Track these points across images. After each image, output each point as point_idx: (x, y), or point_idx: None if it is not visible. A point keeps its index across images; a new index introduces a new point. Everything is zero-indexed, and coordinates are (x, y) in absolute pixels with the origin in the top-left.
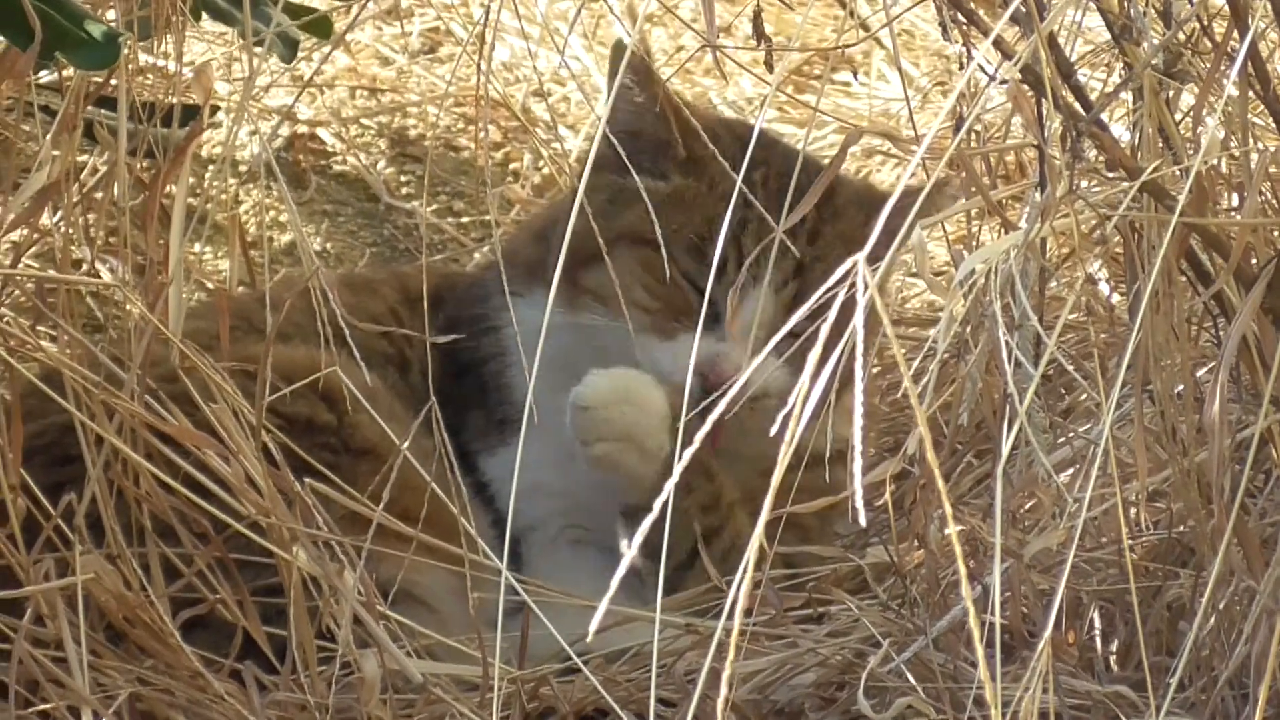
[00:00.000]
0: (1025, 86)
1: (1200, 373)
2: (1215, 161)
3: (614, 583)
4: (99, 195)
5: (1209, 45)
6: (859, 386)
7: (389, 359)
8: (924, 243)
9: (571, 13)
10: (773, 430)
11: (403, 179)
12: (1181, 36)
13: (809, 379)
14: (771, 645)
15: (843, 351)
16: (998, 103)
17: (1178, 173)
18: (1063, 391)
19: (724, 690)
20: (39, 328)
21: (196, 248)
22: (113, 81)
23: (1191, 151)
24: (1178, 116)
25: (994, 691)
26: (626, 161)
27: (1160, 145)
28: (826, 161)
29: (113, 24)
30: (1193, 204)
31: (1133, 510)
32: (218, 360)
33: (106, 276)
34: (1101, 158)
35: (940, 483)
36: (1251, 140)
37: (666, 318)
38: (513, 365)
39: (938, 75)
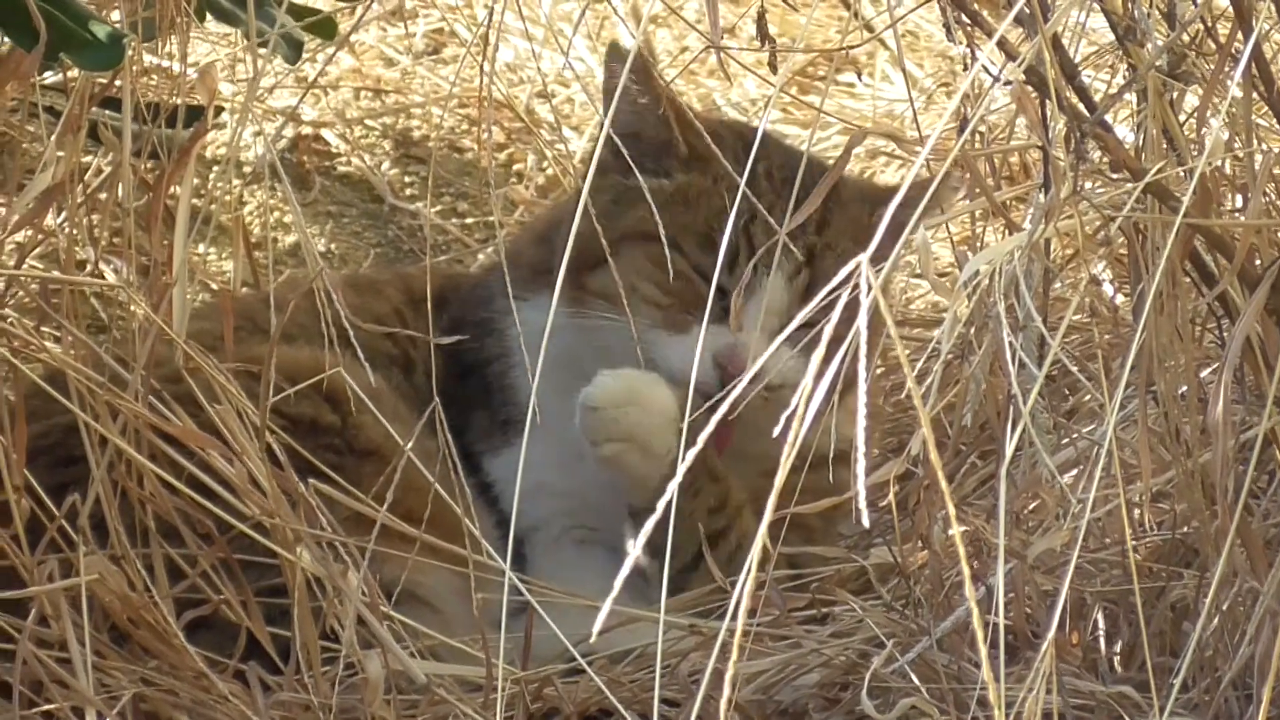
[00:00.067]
0: (1029, 88)
1: (1204, 374)
2: (1219, 163)
3: (618, 583)
4: (103, 196)
5: (1213, 46)
6: (862, 387)
7: (393, 360)
8: (928, 243)
9: (576, 14)
10: (776, 431)
11: (407, 180)
12: (1185, 38)
13: (813, 379)
14: (775, 646)
15: (846, 352)
16: (1002, 104)
17: (1182, 174)
18: (1066, 392)
19: (728, 691)
20: (43, 328)
21: (200, 249)
22: (117, 82)
23: (1195, 153)
24: (1182, 118)
25: (998, 692)
26: (630, 162)
27: (1164, 146)
28: (826, 160)
29: (117, 25)
30: (1197, 205)
31: (1136, 511)
32: (222, 361)
33: (111, 277)
34: (1105, 159)
35: (944, 483)
36: (1255, 141)
37: (678, 312)
38: (516, 367)
39: (942, 76)
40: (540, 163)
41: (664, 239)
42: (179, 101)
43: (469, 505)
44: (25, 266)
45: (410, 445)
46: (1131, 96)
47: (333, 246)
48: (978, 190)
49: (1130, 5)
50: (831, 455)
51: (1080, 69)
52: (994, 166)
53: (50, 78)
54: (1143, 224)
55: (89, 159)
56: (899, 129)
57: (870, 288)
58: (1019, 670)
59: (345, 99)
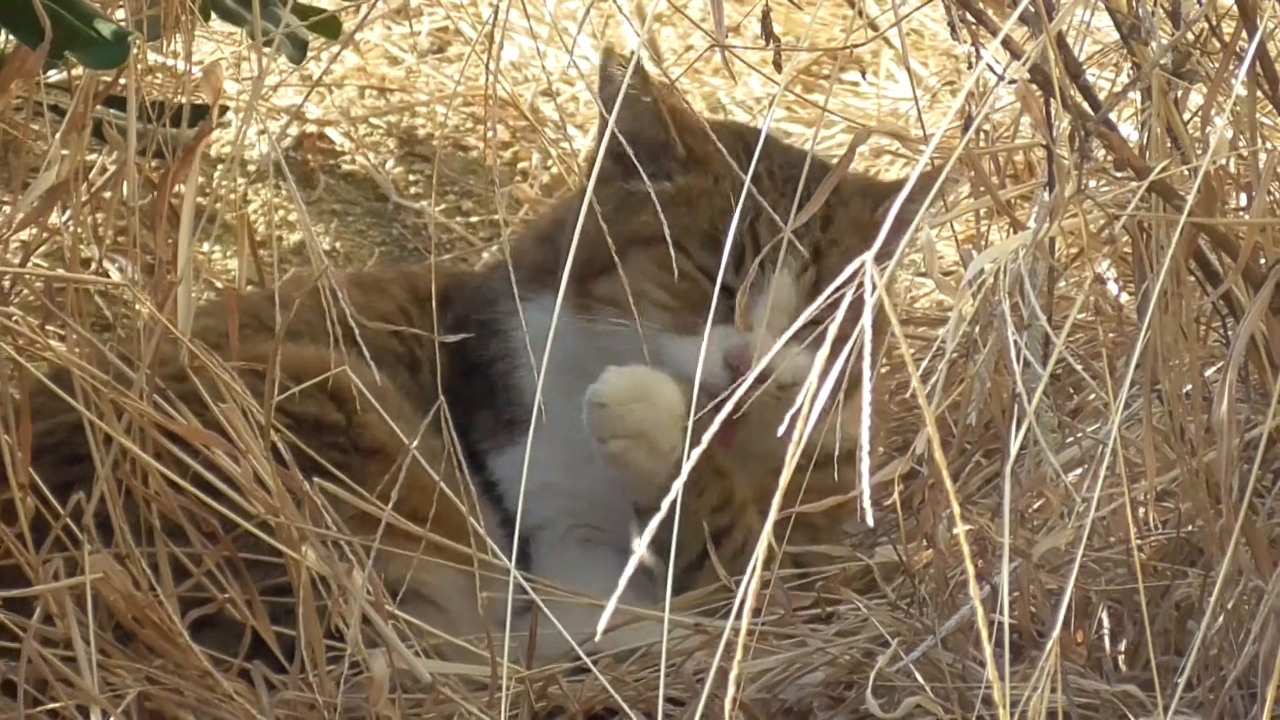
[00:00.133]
0: (1034, 86)
1: (1209, 372)
2: (1224, 161)
3: (622, 582)
4: (108, 194)
5: (1217, 45)
6: (867, 386)
7: (399, 358)
8: (933, 242)
9: (580, 12)
10: (781, 430)
11: (411, 178)
12: (1190, 36)
13: (817, 378)
14: (780, 645)
15: (851, 351)
16: (1006, 102)
17: (1186, 172)
18: (1071, 391)
19: (732, 689)
20: (48, 327)
21: (205, 247)
22: (122, 81)
23: (1200, 151)
24: (1186, 116)
25: (1002, 691)
26: (637, 163)
27: (1169, 145)
28: (829, 159)
29: (122, 23)
30: (1201, 204)
31: (1141, 510)
32: (227, 359)
33: (115, 276)
34: (1110, 157)
35: (949, 482)
36: (1260, 140)
37: (686, 314)
38: (521, 367)
39: (946, 75)
40: (545, 161)
41: (669, 241)
42: (184, 100)
43: (474, 504)
44: (30, 265)
45: (415, 444)
46: (1136, 95)
47: (337, 245)
48: (982, 189)
49: (1135, 4)
50: (837, 454)
51: (1085, 67)
52: (998, 165)
53: (55, 76)
54: (1147, 223)
55: (94, 157)
56: (903, 128)
57: (874, 286)
58: (1024, 669)
59: (350, 97)
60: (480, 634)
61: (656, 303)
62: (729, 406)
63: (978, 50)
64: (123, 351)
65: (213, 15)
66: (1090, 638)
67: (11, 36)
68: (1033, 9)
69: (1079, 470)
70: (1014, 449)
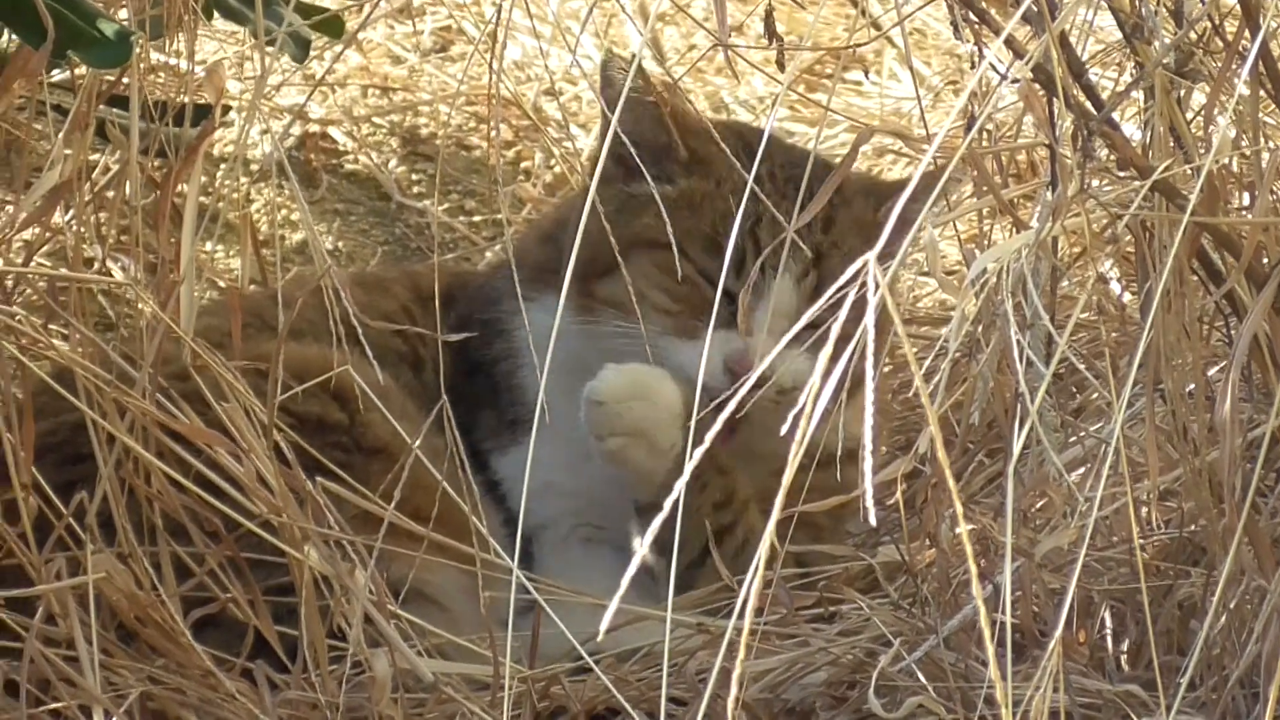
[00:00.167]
0: (1037, 85)
1: (1211, 372)
2: (1226, 160)
3: (625, 581)
4: (111, 194)
5: (1220, 44)
6: (870, 385)
7: (402, 357)
8: (936, 241)
9: (583, 11)
10: (784, 429)
11: (414, 178)
12: (1193, 35)
13: (820, 378)
14: (783, 644)
15: (854, 350)
16: (1009, 101)
17: (1189, 172)
18: (1074, 390)
19: (735, 689)
20: (51, 326)
21: (208, 246)
22: (125, 80)
23: (1203, 150)
24: (1189, 115)
25: (1005, 690)
26: (635, 169)
27: (1171, 144)
28: (831, 158)
29: (125, 23)
30: (1204, 203)
31: (1144, 509)
32: (230, 359)
33: (118, 275)
34: (1113, 157)
35: (951, 482)
36: (1263, 139)
37: (687, 317)
38: (524, 367)
39: (949, 74)
40: (548, 160)
41: (672, 245)
42: (186, 99)
43: (476, 504)
44: (33, 264)
45: (418, 443)
46: (1139, 94)
47: (340, 244)
48: (985, 188)
49: (1138, 3)
50: (839, 453)
51: (1088, 67)
52: (1001, 164)
53: (58, 75)
54: (1150, 222)
55: (96, 157)
56: (906, 127)
57: (877, 286)
58: (1026, 669)
59: (353, 97)
60: (483, 633)
61: (657, 306)
62: (728, 410)
63: (980, 49)
64: (125, 351)
65: (215, 14)
66: (1093, 637)
67: (14, 36)
68: (1035, 8)
69: (1082, 470)
70: (1017, 448)
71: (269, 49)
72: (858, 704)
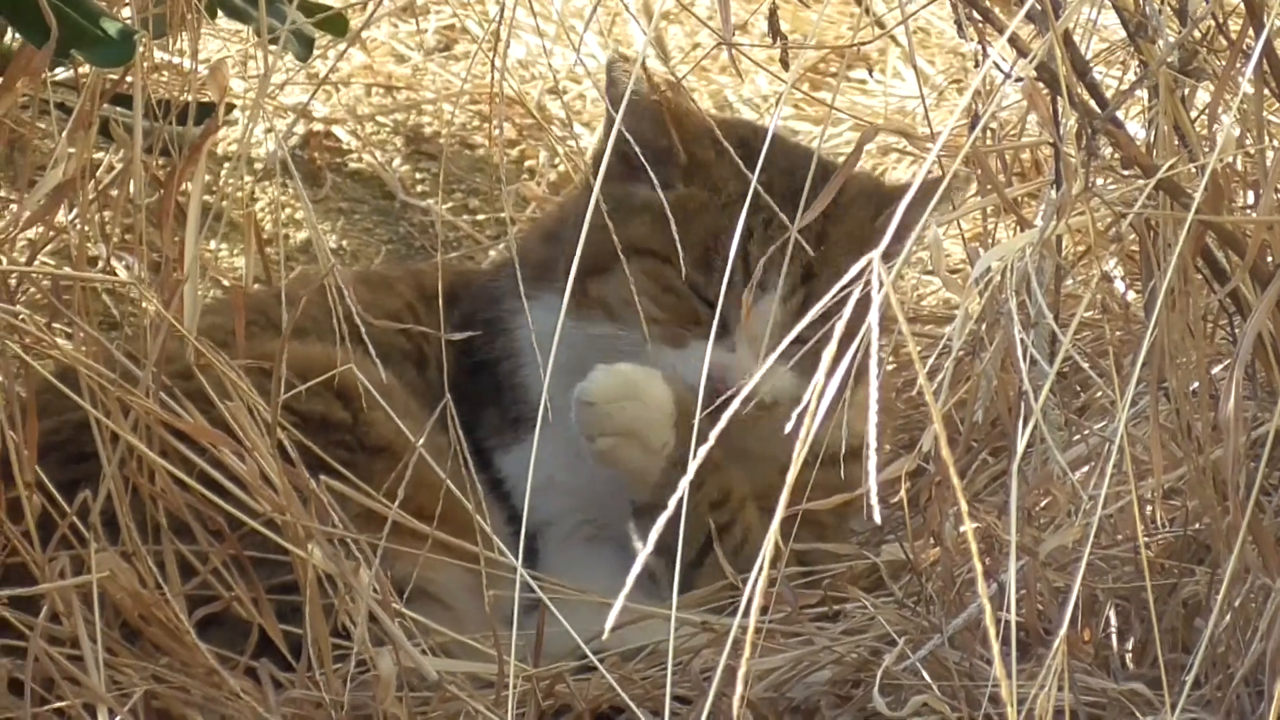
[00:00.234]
0: (1041, 84)
1: (1215, 370)
2: (1231, 159)
3: (629, 580)
4: (114, 193)
5: (1224, 43)
6: (874, 384)
7: (406, 355)
8: (940, 240)
9: (587, 10)
10: (788, 427)
11: (418, 176)
12: (1197, 34)
13: (824, 375)
14: (787, 643)
15: (857, 348)
16: (1013, 100)
17: (1193, 170)
18: (1078, 389)
19: (739, 688)
20: (55, 325)
21: (212, 245)
22: (128, 79)
23: (1207, 149)
24: (1193, 114)
25: (1009, 689)
26: (633, 171)
27: (1176, 143)
28: (834, 158)
29: (128, 21)
30: (1208, 202)
31: (1148, 508)
32: (233, 357)
33: (122, 274)
34: (1117, 155)
35: (955, 480)
36: (1267, 138)
37: (675, 326)
38: (526, 365)
39: (953, 73)
40: (552, 159)
41: (663, 254)
42: (190, 98)
43: (480, 502)
44: (37, 263)
45: (421, 442)
46: (1143, 93)
47: (344, 243)
48: (989, 187)
49: (1141, 1)
50: (843, 452)
51: (1092, 65)
52: (1005, 163)
53: (61, 74)
54: (1154, 220)
55: (100, 155)
56: (910, 126)
57: (881, 284)
58: (1031, 667)
59: (357, 95)
60: (487, 632)
61: (646, 313)
62: (725, 417)
63: (984, 48)
64: (129, 349)
65: (219, 13)
66: (1097, 636)
67: (18, 35)
68: (1039, 7)
69: (1086, 468)
70: (1021, 447)
71: (272, 47)
72: (862, 703)
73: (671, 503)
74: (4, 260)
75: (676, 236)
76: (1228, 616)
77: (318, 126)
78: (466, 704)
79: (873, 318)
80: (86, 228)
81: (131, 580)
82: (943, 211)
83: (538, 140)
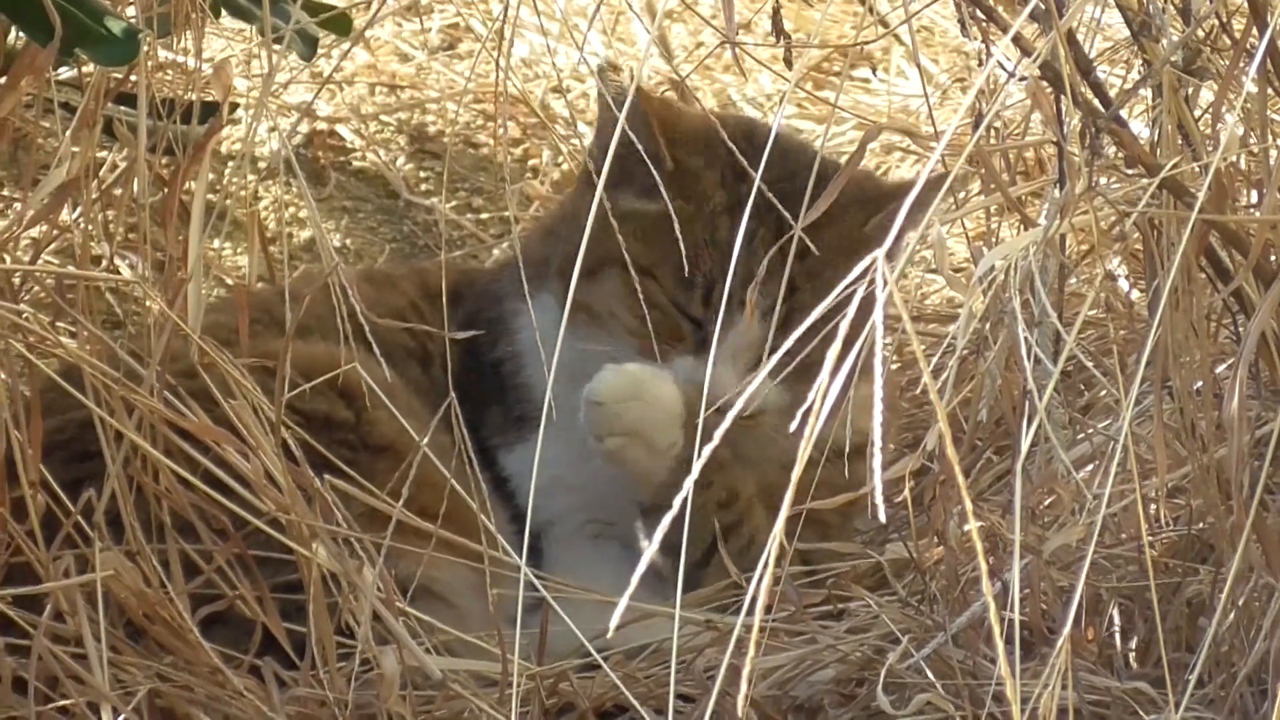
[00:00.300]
0: (1044, 83)
1: (1219, 369)
2: (1234, 158)
3: (634, 579)
4: (118, 192)
5: (1228, 42)
6: (878, 383)
7: (411, 353)
8: (944, 239)
9: (591, 9)
10: (793, 426)
11: (422, 175)
12: (1201, 33)
13: (828, 375)
14: (791, 641)
15: (861, 347)
16: (1017, 99)
17: (1197, 169)
18: (1082, 388)
19: (743, 686)
20: (58, 324)
21: (216, 244)
22: (132, 78)
23: (1211, 148)
24: (1197, 113)
25: (1013, 688)
26: (633, 176)
27: (1179, 142)
28: (831, 157)
29: (132, 20)
30: (1212, 201)
31: (1152, 507)
32: (237, 356)
33: (126, 273)
34: (1121, 154)
35: (960, 479)
36: (1271, 137)
37: (655, 342)
38: (529, 364)
39: (957, 72)
40: (555, 158)
41: (643, 269)
42: (194, 97)
43: (484, 501)
44: (41, 262)
45: (425, 440)
46: (1147, 92)
47: (348, 242)
48: (993, 186)
49: (1145, 1)
50: (848, 450)
51: (1095, 64)
52: (1009, 162)
53: (65, 73)
54: (1158, 219)
55: (104, 154)
56: (914, 124)
57: (886, 283)
58: (1034, 666)
59: (360, 94)
60: (491, 631)
61: (626, 326)
62: (724, 426)
63: (988, 47)
64: (133, 348)
65: (223, 12)
66: (1101, 635)
67: (22, 34)
68: (1043, 6)
69: (1090, 467)
70: (1025, 445)
71: (276, 47)
72: (866, 701)
73: (676, 502)
74: (8, 259)
75: (660, 252)
76: (1231, 615)
77: (321, 125)
78: (470, 703)
79: (877, 316)
80: (90, 227)
81: (135, 579)
82: (947, 209)
83: (541, 139)
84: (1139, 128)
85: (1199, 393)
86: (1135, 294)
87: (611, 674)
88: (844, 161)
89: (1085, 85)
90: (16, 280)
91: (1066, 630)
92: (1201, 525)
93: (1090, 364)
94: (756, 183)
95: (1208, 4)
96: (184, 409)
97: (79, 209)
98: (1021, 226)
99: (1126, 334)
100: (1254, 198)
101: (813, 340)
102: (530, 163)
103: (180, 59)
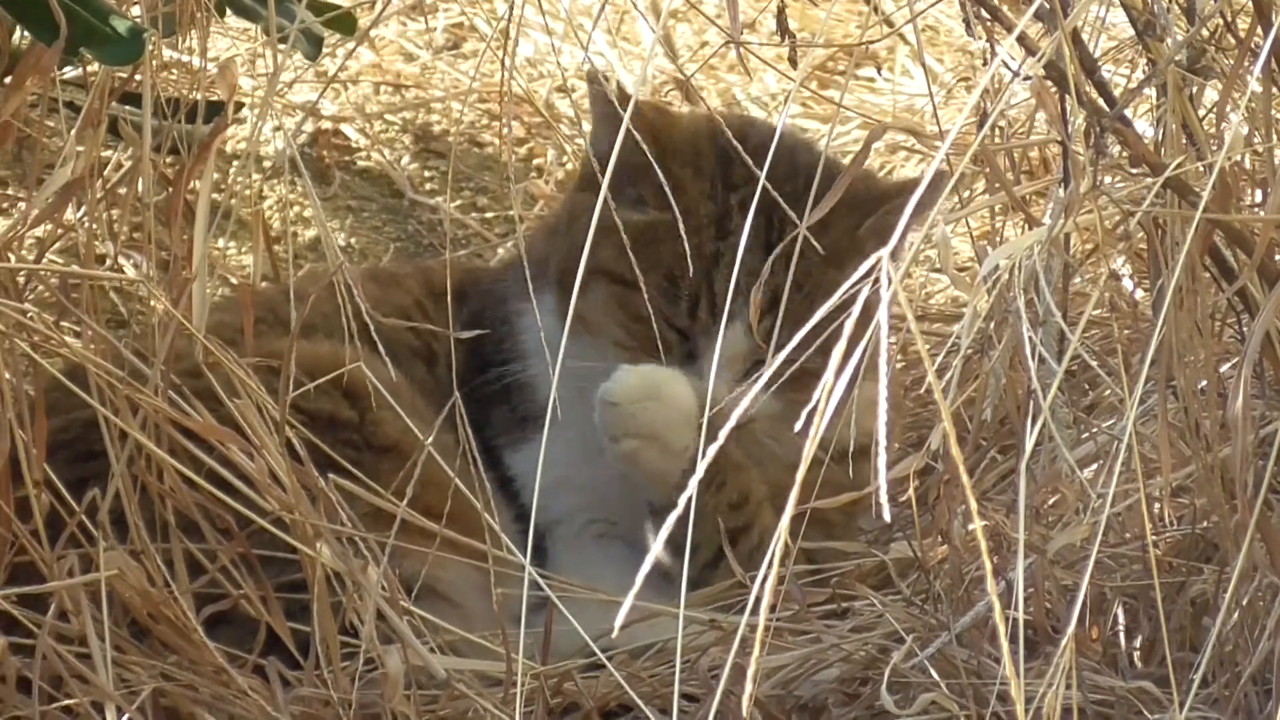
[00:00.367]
0: (1049, 82)
1: (1223, 368)
2: (1239, 157)
3: (639, 578)
4: (123, 191)
5: (1232, 41)
6: (883, 382)
7: (415, 352)
8: (948, 238)
9: (595, 9)
10: (797, 426)
11: (426, 174)
12: (1205, 32)
13: (833, 374)
14: (795, 641)
15: (864, 346)
16: (1021, 98)
17: (1201, 169)
18: (1086, 387)
19: (748, 686)
20: (63, 323)
21: (220, 243)
22: (137, 77)
23: (1215, 147)
24: (1201, 112)
25: (1018, 687)
26: (621, 185)
27: (1184, 141)
28: (832, 158)
29: (137, 20)
30: (1216, 200)
31: (1156, 506)
32: (241, 355)
33: (130, 272)
34: (1125, 154)
35: (964, 478)
36: (1275, 136)
37: (641, 353)
38: (534, 364)
39: (962, 71)
40: (560, 157)
41: (630, 280)
42: (199, 96)
43: (489, 500)
44: (45, 261)
45: (430, 440)
46: (1151, 91)
47: (353, 241)
48: (997, 185)
49: (1150, 0)
50: (852, 450)
51: (1100, 64)
52: (1014, 161)
53: (70, 73)
54: (1162, 219)
55: (109, 154)
56: (919, 124)
57: (890, 282)
58: (1039, 665)
59: (365, 94)
60: (495, 630)
61: (614, 337)
62: (725, 430)
63: (993, 46)
64: (138, 348)
65: (228, 11)
66: (1105, 634)
67: (27, 33)
68: (1048, 5)
69: (1094, 466)
70: (1029, 445)
71: (281, 46)
72: (870, 700)
73: (681, 503)
74: (12, 258)
75: (647, 262)
76: (1236, 615)
77: (326, 125)
78: (475, 702)
79: (882, 315)
80: (95, 226)
81: (140, 578)
82: (952, 208)
83: (546, 138)
84: (1143, 127)
85: (1203, 392)
86: (1139, 293)
87: (616, 674)
88: (847, 162)
89: (1090, 84)
90: (21, 279)
91: (1071, 629)
92: (1206, 525)
93: (1094, 363)
94: (759, 185)
95: (1212, 3)
96: (188, 408)
97: (84, 208)
98: (1026, 226)
99: (1131, 333)
100: (1258, 197)
101: (808, 347)
102: (535, 162)
103: (185, 58)
